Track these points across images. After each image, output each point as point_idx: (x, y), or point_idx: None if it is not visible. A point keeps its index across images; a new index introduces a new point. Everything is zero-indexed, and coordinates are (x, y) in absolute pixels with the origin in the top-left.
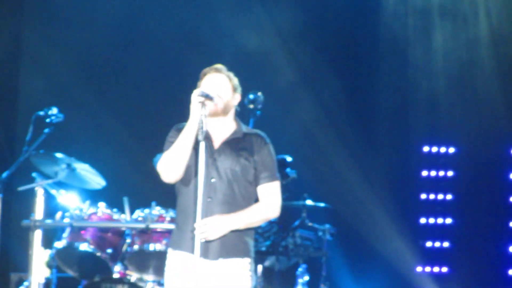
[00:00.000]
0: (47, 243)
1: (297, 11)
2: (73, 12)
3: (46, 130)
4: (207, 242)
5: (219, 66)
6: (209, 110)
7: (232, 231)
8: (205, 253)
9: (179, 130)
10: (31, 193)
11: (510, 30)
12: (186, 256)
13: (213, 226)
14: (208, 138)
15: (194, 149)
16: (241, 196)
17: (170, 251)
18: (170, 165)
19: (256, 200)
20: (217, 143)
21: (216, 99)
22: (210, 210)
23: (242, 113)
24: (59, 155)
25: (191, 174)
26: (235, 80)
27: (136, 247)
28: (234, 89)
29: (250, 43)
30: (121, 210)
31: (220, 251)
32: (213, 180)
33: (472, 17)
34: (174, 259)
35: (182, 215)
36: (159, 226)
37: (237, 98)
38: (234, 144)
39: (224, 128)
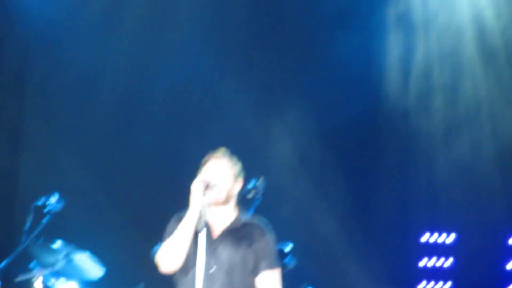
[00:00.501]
0: None
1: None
2: (74, 100)
3: (44, 220)
4: None
5: (221, 152)
6: (210, 199)
7: None
8: None
9: (179, 220)
10: (29, 283)
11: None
12: None
13: None
14: (207, 227)
15: (193, 238)
16: (240, 287)
17: None
18: (169, 256)
19: None
20: (216, 232)
21: (217, 188)
22: None
23: (242, 197)
24: (57, 245)
25: (189, 263)
26: (237, 167)
27: None
28: (236, 177)
29: (248, 126)
30: None
31: None
32: (211, 270)
33: (474, 113)
34: None
35: None
36: None
37: (239, 185)
38: (234, 234)
39: (224, 216)
